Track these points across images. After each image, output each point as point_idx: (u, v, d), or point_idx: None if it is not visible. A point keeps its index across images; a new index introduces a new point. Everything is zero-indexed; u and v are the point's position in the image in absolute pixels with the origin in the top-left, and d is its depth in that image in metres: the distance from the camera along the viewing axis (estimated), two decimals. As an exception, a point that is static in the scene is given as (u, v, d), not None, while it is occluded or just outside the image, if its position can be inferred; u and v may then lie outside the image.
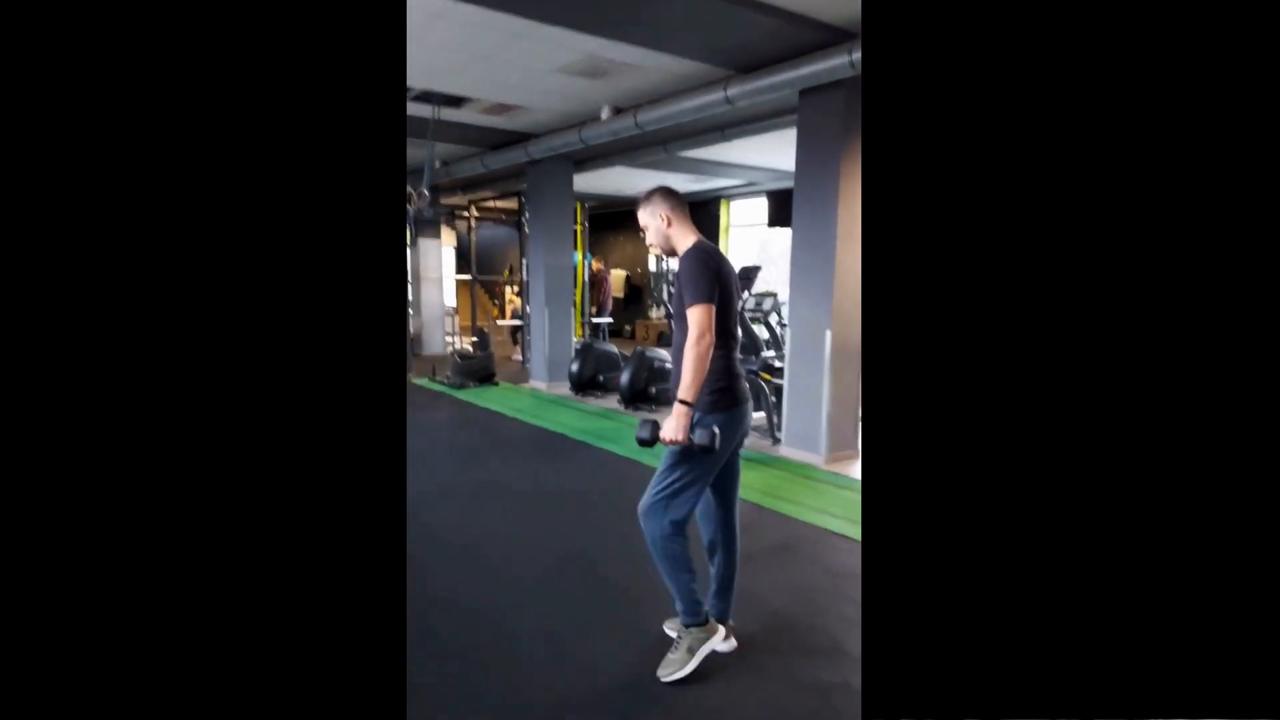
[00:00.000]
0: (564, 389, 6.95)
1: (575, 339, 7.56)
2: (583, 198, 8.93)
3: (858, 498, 3.66)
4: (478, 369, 7.32)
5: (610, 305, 10.69)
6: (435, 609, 2.46)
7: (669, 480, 1.98)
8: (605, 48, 4.08)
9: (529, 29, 3.79)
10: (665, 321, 10.49)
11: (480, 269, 10.33)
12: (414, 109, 5.54)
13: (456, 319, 11.13)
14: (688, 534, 2.02)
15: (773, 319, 5.74)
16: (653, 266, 12.43)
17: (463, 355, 7.58)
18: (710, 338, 1.88)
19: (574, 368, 6.67)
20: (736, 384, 2.04)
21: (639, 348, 6.33)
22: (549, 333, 7.12)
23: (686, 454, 1.95)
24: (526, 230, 7.95)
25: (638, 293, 12.86)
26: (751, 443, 4.91)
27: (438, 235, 10.07)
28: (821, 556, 2.99)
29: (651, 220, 2.09)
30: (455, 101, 5.38)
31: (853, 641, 2.24)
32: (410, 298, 8.87)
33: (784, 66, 3.98)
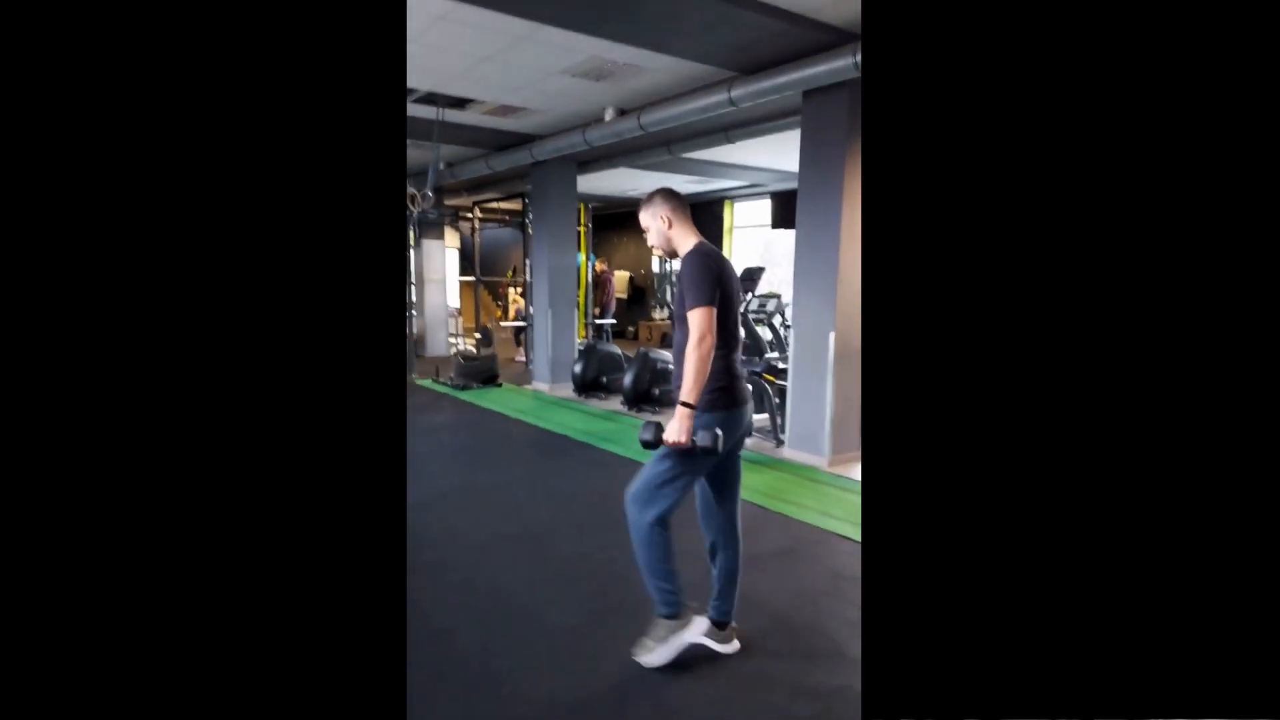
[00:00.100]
0: (567, 390, 6.95)
1: (579, 340, 7.57)
2: (586, 199, 8.93)
3: (861, 500, 3.65)
4: (481, 370, 7.33)
5: (614, 306, 10.70)
6: (435, 610, 2.46)
7: (659, 470, 2.00)
8: (609, 50, 4.09)
9: (533, 31, 3.79)
10: (669, 323, 10.48)
11: (484, 270, 10.34)
12: (419, 111, 5.55)
13: (460, 320, 11.15)
14: (671, 526, 2.02)
15: (776, 320, 5.74)
16: (656, 268, 12.43)
17: (466, 357, 7.59)
18: (711, 340, 1.89)
19: (577, 369, 6.67)
20: (736, 385, 2.04)
21: (642, 349, 6.33)
22: (552, 334, 7.12)
23: (683, 450, 1.95)
24: (530, 231, 7.96)
25: (641, 294, 12.86)
26: (755, 444, 4.91)
27: (441, 236, 10.08)
28: (824, 559, 2.98)
29: (653, 222, 2.10)
30: (460, 103, 5.39)
31: (855, 645, 2.24)
32: (414, 299, 8.89)
33: (787, 68, 3.98)
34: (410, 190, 6.29)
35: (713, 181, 9.09)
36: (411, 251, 8.65)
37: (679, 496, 2.01)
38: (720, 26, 3.61)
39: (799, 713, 1.92)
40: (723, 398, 1.99)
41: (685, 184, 9.17)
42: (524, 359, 9.03)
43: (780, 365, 5.04)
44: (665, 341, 10.47)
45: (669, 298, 11.31)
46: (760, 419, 5.19)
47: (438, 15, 3.59)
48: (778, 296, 5.75)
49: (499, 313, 11.10)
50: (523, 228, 9.02)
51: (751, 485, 3.94)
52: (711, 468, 2.07)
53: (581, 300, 8.33)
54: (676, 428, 1.89)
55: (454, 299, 11.14)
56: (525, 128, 6.15)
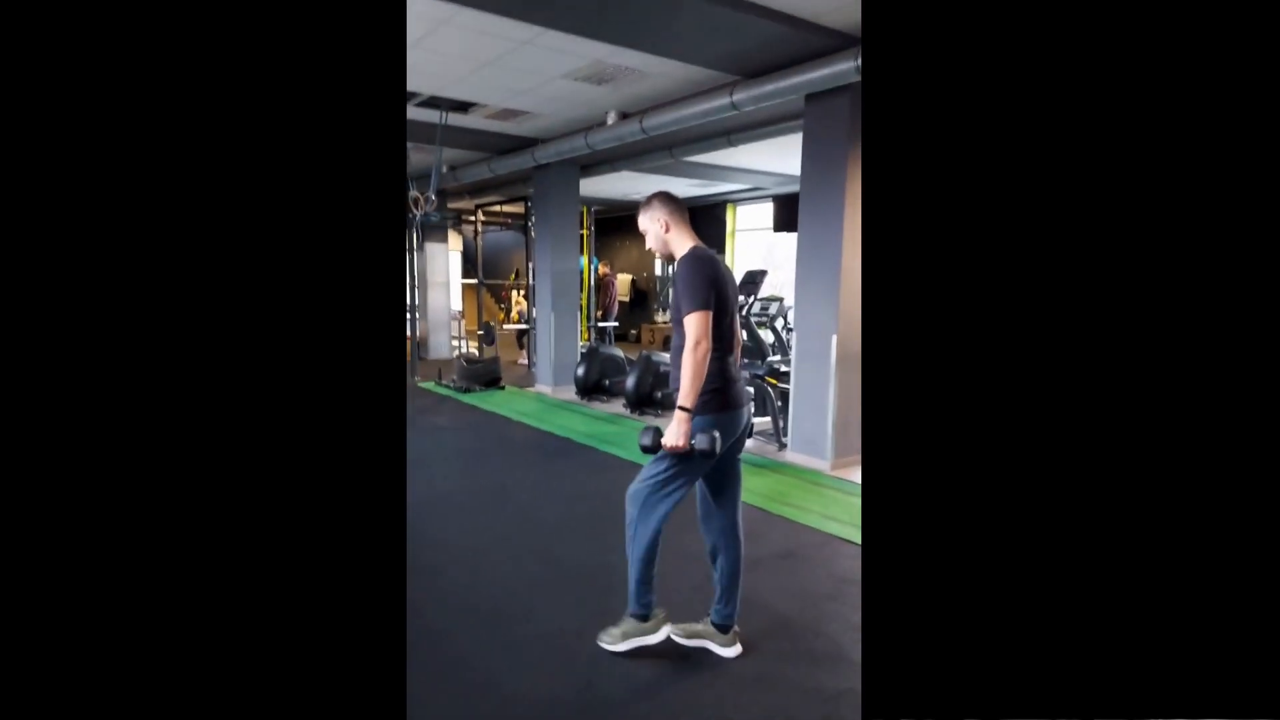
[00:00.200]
0: (569, 393, 6.95)
1: (581, 343, 7.57)
2: (589, 202, 8.94)
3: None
4: (483, 373, 7.33)
5: (616, 309, 10.71)
6: (437, 612, 2.46)
7: (657, 470, 2.03)
8: (612, 54, 4.10)
9: (536, 35, 3.80)
10: (671, 326, 10.48)
11: (486, 273, 10.36)
12: (422, 114, 5.56)
13: (463, 323, 11.16)
14: (662, 533, 2.07)
15: (779, 324, 5.74)
16: (659, 270, 12.44)
17: (469, 359, 7.60)
18: (706, 344, 1.90)
19: (579, 372, 6.68)
20: (730, 387, 2.04)
21: (644, 352, 6.34)
22: (555, 337, 7.13)
23: (681, 453, 1.97)
24: (533, 234, 7.97)
25: (643, 297, 12.87)
26: (757, 447, 4.91)
27: (444, 240, 10.10)
28: (827, 562, 2.98)
29: (651, 225, 2.11)
30: (462, 107, 5.41)
31: (858, 649, 2.23)
32: (417, 302, 8.90)
33: (790, 72, 3.99)
34: (413, 193, 6.31)
35: (715, 185, 9.10)
36: (415, 255, 8.65)
37: (677, 498, 2.04)
38: (722, 31, 3.62)
39: (802, 716, 1.91)
40: (715, 400, 1.99)
41: (687, 187, 9.19)
42: (527, 361, 9.04)
43: (783, 368, 5.04)
44: (668, 344, 10.43)
45: (670, 300, 11.31)
46: (763, 422, 5.19)
47: (441, 19, 3.60)
48: (780, 300, 5.76)
49: (501, 315, 11.11)
50: (525, 231, 9.04)
51: (754, 488, 3.94)
52: (710, 470, 2.07)
53: (584, 303, 8.34)
54: (675, 431, 1.91)
55: (457, 302, 11.16)
56: (527, 131, 6.17)
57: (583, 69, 4.41)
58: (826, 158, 4.23)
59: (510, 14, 3.48)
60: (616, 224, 12.32)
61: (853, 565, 2.92)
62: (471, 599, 2.59)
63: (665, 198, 2.12)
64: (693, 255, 2.02)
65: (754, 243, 11.02)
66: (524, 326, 9.48)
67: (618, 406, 6.35)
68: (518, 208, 9.87)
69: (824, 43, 3.72)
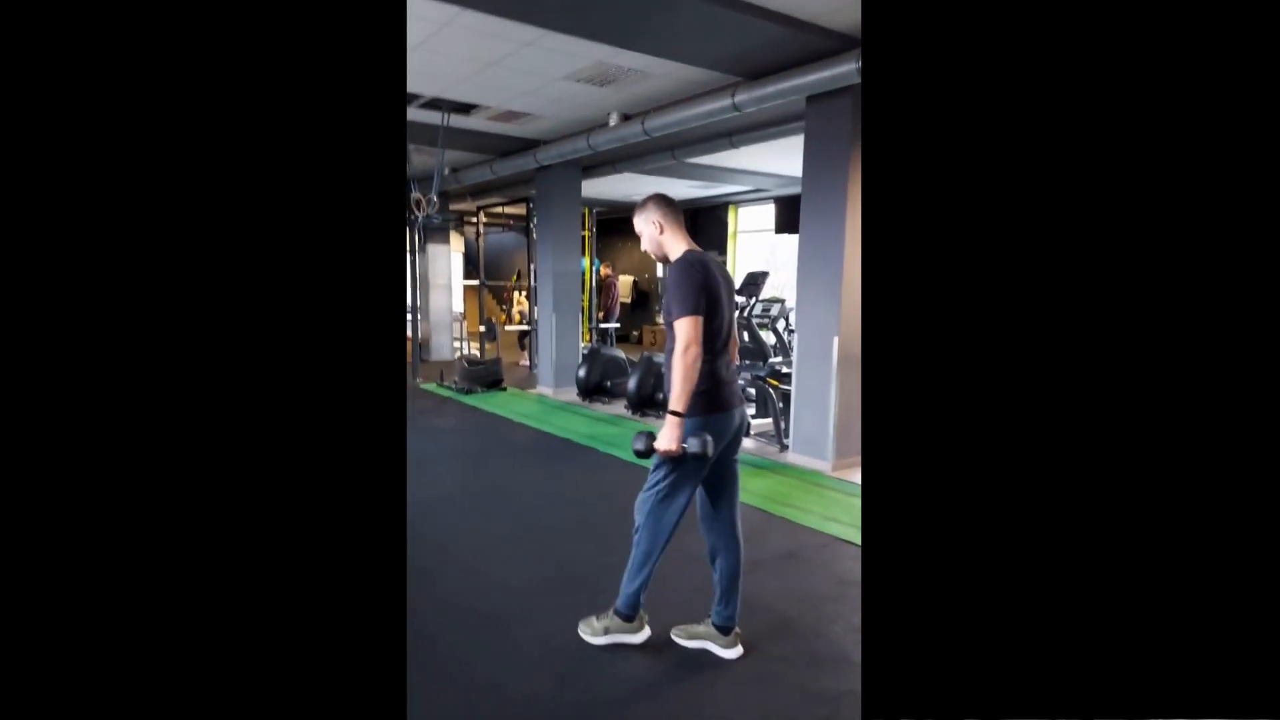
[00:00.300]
0: (571, 394, 6.96)
1: (583, 344, 7.58)
2: (591, 203, 8.96)
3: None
4: (485, 374, 7.34)
5: (618, 310, 10.72)
6: (437, 613, 2.46)
7: (657, 479, 2.06)
8: (614, 55, 4.10)
9: (538, 37, 3.81)
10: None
11: (488, 274, 10.37)
12: (424, 116, 5.58)
13: (465, 324, 11.18)
14: (670, 540, 2.10)
15: (780, 325, 5.74)
16: (660, 272, 12.45)
17: (470, 361, 7.60)
18: (696, 350, 1.90)
19: (581, 373, 6.68)
20: (721, 390, 2.04)
21: (646, 353, 6.34)
22: (557, 338, 7.14)
23: (675, 458, 1.99)
24: (534, 236, 7.98)
25: (645, 298, 12.87)
26: (758, 449, 4.91)
27: (446, 241, 10.11)
28: (829, 564, 2.98)
29: (646, 227, 2.12)
30: (464, 108, 5.42)
31: (859, 650, 2.23)
32: (419, 303, 8.91)
33: (792, 73, 3.99)
34: (415, 195, 6.32)
35: (717, 186, 9.10)
36: (416, 256, 8.67)
37: (681, 505, 2.06)
38: (724, 32, 3.63)
39: (804, 717, 1.91)
40: (703, 402, 1.99)
41: (689, 189, 9.19)
42: (528, 363, 9.04)
43: (784, 370, 5.04)
44: (669, 346, 10.44)
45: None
46: (764, 423, 5.20)
47: (443, 21, 3.61)
48: (782, 301, 5.76)
49: (503, 317, 11.13)
50: (527, 232, 9.05)
51: (755, 490, 3.94)
52: (708, 472, 2.07)
53: (586, 304, 8.35)
54: (667, 436, 1.93)
55: (459, 303, 11.18)
56: (529, 133, 6.18)
57: (585, 70, 4.42)
58: (828, 159, 4.23)
59: (512, 16, 3.48)
60: (618, 225, 12.32)
61: (854, 567, 2.92)
62: (472, 600, 2.59)
63: (660, 200, 2.12)
64: (684, 260, 2.02)
65: (756, 244, 11.02)
66: (525, 328, 9.49)
67: (619, 408, 6.35)
68: (519, 209, 9.89)
69: (825, 44, 3.73)
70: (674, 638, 2.25)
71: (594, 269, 9.05)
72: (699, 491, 2.15)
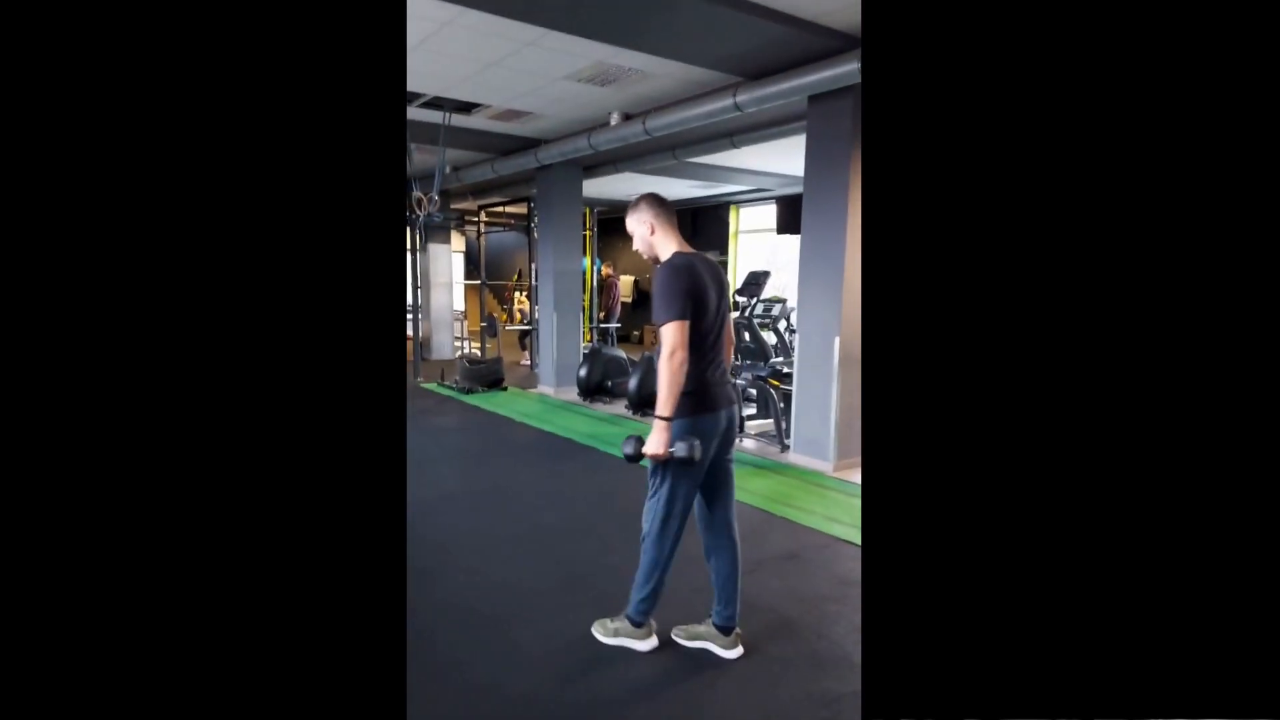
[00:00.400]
0: (572, 394, 6.96)
1: (584, 344, 7.58)
2: (591, 203, 8.95)
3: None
4: (486, 374, 7.34)
5: (619, 310, 10.72)
6: (437, 613, 2.46)
7: (655, 488, 2.07)
8: (615, 55, 4.10)
9: (539, 36, 3.81)
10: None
11: (489, 274, 10.38)
12: (425, 115, 5.58)
13: (466, 323, 11.18)
14: (678, 548, 2.12)
15: (781, 325, 5.74)
16: (661, 272, 12.44)
17: (471, 360, 7.61)
18: (682, 354, 1.90)
19: (582, 373, 6.68)
20: (708, 391, 2.03)
21: (647, 353, 6.34)
22: (557, 338, 7.14)
23: (663, 463, 2.00)
24: (535, 235, 7.98)
25: (646, 298, 12.88)
26: (759, 449, 4.91)
27: (447, 240, 10.12)
28: (830, 564, 2.97)
29: (637, 227, 2.11)
30: (466, 108, 5.42)
31: (860, 650, 2.23)
32: (420, 302, 8.91)
33: (793, 73, 3.99)
34: (417, 193, 6.32)
35: (718, 186, 9.10)
36: (417, 255, 8.67)
37: (681, 510, 2.07)
38: (725, 32, 3.62)
39: (804, 718, 1.91)
40: (689, 403, 1.98)
41: (690, 188, 9.19)
42: (529, 362, 9.04)
43: (785, 370, 5.04)
44: (670, 346, 10.43)
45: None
46: (765, 424, 5.19)
47: (444, 20, 3.61)
48: (783, 301, 5.76)
49: (504, 317, 11.14)
50: (528, 232, 9.05)
51: (756, 490, 3.94)
52: (701, 474, 2.07)
53: (587, 304, 8.35)
54: (655, 440, 1.94)
55: (459, 303, 11.19)
56: (531, 132, 6.18)
57: (586, 70, 4.42)
58: (829, 159, 4.23)
59: (514, 15, 3.48)
60: (619, 225, 12.29)
61: (855, 567, 2.92)
62: (472, 600, 2.59)
63: (652, 200, 2.11)
64: (670, 264, 2.00)
65: (757, 244, 11.02)
66: (526, 327, 9.49)
67: (620, 408, 6.35)
68: (520, 208, 9.89)
69: (827, 44, 3.72)
70: (674, 638, 2.25)
71: (595, 268, 9.05)
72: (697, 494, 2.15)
